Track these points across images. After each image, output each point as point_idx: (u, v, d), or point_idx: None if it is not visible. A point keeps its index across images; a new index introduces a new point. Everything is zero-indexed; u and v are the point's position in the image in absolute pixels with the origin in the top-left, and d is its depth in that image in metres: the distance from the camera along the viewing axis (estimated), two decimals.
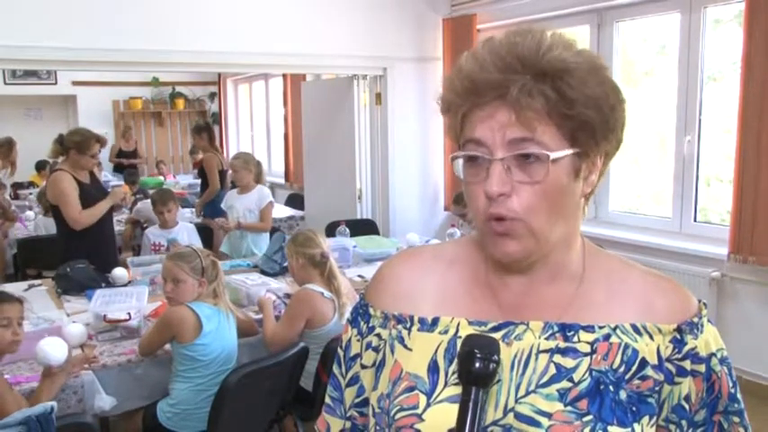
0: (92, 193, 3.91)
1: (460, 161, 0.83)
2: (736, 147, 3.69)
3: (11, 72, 8.80)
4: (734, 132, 3.71)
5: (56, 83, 9.17)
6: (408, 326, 0.89)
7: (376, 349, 0.92)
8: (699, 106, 4.05)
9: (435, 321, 0.87)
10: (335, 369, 0.98)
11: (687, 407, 0.84)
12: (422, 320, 0.88)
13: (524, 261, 0.84)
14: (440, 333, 0.87)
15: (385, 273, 0.97)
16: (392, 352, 0.89)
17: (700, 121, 4.07)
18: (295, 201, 6.95)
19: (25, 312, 2.61)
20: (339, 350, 0.98)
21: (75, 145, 3.84)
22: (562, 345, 0.82)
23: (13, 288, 3.59)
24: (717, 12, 4.02)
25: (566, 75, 0.78)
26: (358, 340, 0.95)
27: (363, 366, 0.93)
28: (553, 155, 0.78)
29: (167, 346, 2.61)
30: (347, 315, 3.09)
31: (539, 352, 0.82)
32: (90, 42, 4.31)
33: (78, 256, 3.64)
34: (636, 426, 0.80)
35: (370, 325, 0.93)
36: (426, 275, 0.93)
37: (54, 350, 2.23)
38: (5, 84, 8.88)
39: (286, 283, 3.51)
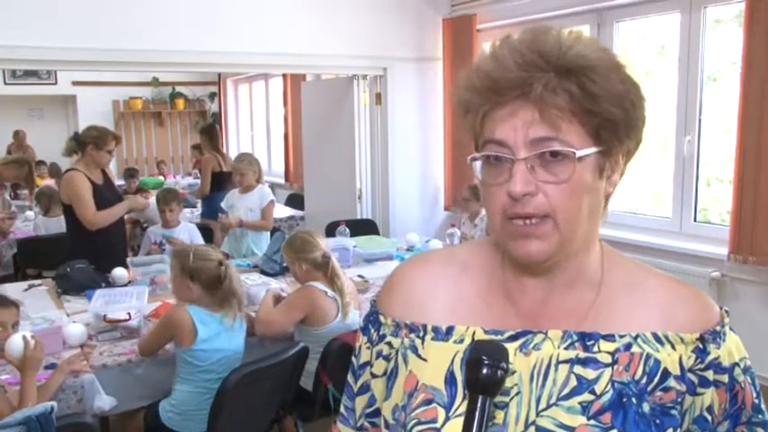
0: (104, 194, 3.92)
1: (479, 163, 0.81)
2: (736, 147, 3.69)
3: (11, 72, 8.80)
4: (734, 132, 3.71)
5: (56, 83, 9.17)
6: (421, 335, 0.86)
7: (387, 358, 0.89)
8: (699, 106, 4.05)
9: (450, 330, 0.85)
10: (349, 377, 0.95)
11: (710, 418, 0.82)
12: (435, 329, 0.85)
13: (546, 263, 0.80)
14: (455, 342, 0.84)
15: (396, 279, 0.94)
16: (405, 362, 0.86)
17: (700, 121, 4.07)
18: (295, 201, 6.94)
19: (21, 315, 2.61)
20: (353, 358, 0.95)
21: (93, 140, 3.84)
22: (582, 355, 0.80)
23: (13, 288, 3.59)
24: (717, 12, 4.01)
25: (589, 71, 0.75)
26: (368, 348, 0.92)
27: (374, 375, 0.91)
28: (579, 152, 0.76)
29: (168, 346, 2.61)
30: (350, 315, 3.09)
31: (558, 362, 0.80)
32: (90, 42, 4.30)
33: (87, 256, 3.65)
34: None
35: (381, 333, 0.90)
36: (439, 281, 0.90)
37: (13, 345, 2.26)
38: (6, 84, 8.88)
39: (286, 283, 3.51)
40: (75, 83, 9.11)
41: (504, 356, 0.76)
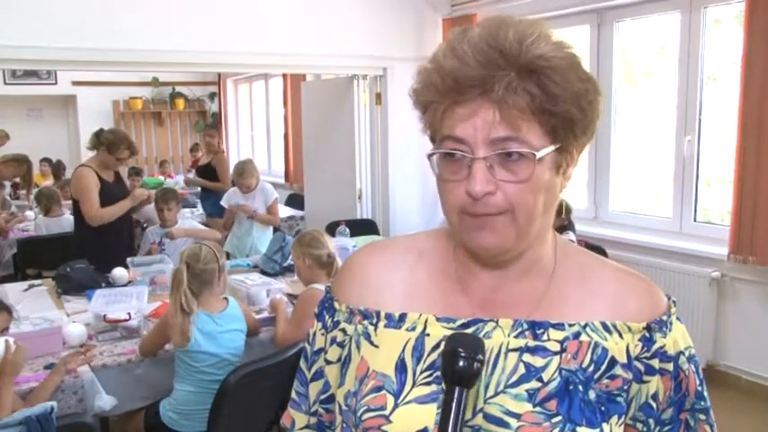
0: (114, 192, 3.97)
1: (435, 157, 0.81)
2: (736, 147, 3.69)
3: (11, 72, 8.79)
4: (734, 132, 3.71)
5: (56, 83, 9.16)
6: (374, 322, 0.86)
7: (341, 345, 0.89)
8: (699, 106, 4.05)
9: (402, 317, 0.85)
10: (302, 363, 0.96)
11: (655, 405, 0.84)
12: (388, 316, 0.86)
13: (501, 256, 0.82)
14: (407, 330, 0.84)
15: (352, 265, 0.94)
16: (358, 348, 0.86)
17: (700, 121, 4.07)
18: (295, 201, 6.95)
19: (21, 316, 2.60)
20: (306, 344, 0.95)
21: (107, 143, 3.93)
22: (531, 343, 0.81)
23: (13, 288, 3.60)
24: (717, 12, 4.02)
25: (550, 71, 0.75)
26: (322, 334, 0.92)
27: (328, 362, 0.91)
28: (539, 154, 0.76)
29: (168, 346, 2.61)
30: None
31: (508, 350, 0.81)
32: (90, 42, 4.30)
33: (94, 252, 3.67)
34: (605, 426, 0.79)
35: (335, 319, 0.91)
36: (394, 268, 0.90)
37: None
38: (5, 84, 8.87)
39: (285, 283, 3.51)
40: (75, 83, 9.10)
41: (480, 348, 0.76)
